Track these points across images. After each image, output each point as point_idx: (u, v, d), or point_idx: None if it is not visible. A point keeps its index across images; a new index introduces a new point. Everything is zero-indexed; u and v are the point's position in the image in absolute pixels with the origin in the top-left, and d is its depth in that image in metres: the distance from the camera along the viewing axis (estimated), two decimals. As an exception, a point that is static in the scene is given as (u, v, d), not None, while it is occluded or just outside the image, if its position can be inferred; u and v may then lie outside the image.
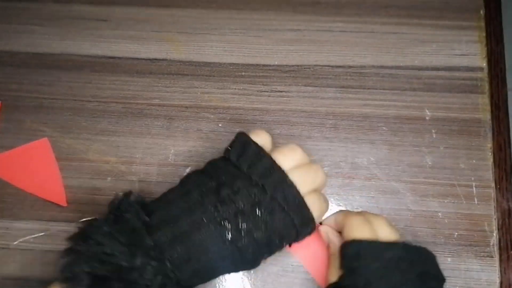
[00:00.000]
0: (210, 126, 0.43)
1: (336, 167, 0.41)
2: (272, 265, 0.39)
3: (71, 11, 0.47)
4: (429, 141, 0.42)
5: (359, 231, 0.32)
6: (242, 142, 0.32)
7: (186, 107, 0.43)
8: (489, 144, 0.41)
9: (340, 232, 0.34)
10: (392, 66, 0.44)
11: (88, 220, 0.31)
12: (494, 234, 0.39)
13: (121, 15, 0.46)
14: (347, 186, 0.41)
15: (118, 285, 0.28)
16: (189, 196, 0.30)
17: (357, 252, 0.31)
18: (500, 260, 0.38)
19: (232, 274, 0.38)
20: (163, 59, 0.45)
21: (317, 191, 0.33)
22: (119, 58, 0.45)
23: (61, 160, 0.42)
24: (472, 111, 0.42)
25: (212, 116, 0.43)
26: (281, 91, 0.43)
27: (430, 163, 0.41)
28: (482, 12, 0.45)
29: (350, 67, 0.44)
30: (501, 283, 0.38)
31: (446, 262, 0.38)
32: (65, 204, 0.40)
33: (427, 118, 0.42)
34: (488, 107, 0.42)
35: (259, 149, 0.32)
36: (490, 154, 0.41)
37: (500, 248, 0.39)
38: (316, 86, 0.43)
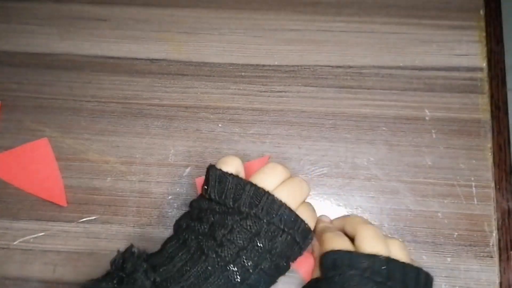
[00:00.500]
0: (210, 126, 0.43)
1: (336, 167, 0.41)
2: (272, 265, 0.39)
3: (71, 11, 0.47)
4: (429, 141, 0.42)
5: (334, 243, 0.32)
6: (217, 177, 0.32)
7: (186, 107, 0.43)
8: (489, 144, 0.41)
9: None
10: (392, 66, 0.44)
11: (88, 282, 0.30)
12: (494, 234, 0.39)
13: (121, 15, 0.46)
14: (346, 186, 0.41)
15: None
16: (188, 247, 0.30)
17: (334, 262, 0.30)
18: (500, 260, 0.38)
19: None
20: (163, 59, 0.45)
21: (305, 202, 0.34)
22: (119, 58, 0.45)
23: (61, 160, 0.42)
24: (472, 111, 0.42)
25: (211, 116, 0.43)
26: (281, 91, 0.43)
27: (430, 163, 0.41)
28: (482, 12, 0.45)
29: (350, 67, 0.44)
30: (500, 283, 0.38)
31: (445, 262, 0.38)
32: (65, 204, 0.40)
33: (427, 118, 0.42)
34: (488, 107, 0.42)
35: (237, 179, 0.31)
36: (490, 154, 0.41)
37: (499, 248, 0.39)
38: (316, 86, 0.43)
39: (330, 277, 0.30)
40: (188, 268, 0.29)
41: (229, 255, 0.28)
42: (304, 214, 0.32)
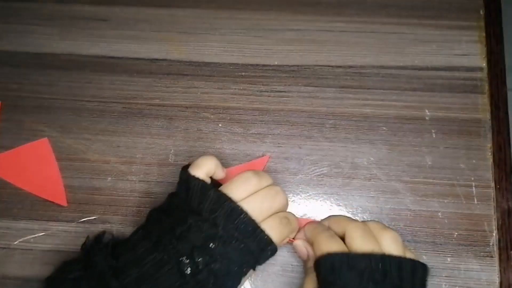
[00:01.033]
0: (210, 126, 0.43)
1: (336, 167, 0.41)
2: (272, 265, 0.39)
3: (71, 11, 0.47)
4: (429, 141, 0.42)
5: (329, 246, 0.32)
6: (185, 180, 0.33)
7: (186, 107, 0.43)
8: (489, 144, 0.41)
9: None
10: (392, 66, 0.44)
11: (63, 263, 0.32)
12: (494, 234, 0.39)
13: (121, 15, 0.46)
14: (347, 186, 0.41)
15: None
16: (151, 236, 0.32)
17: (332, 265, 0.31)
18: (500, 260, 0.38)
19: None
20: (163, 59, 0.45)
21: (279, 213, 0.34)
22: (119, 58, 0.45)
23: (61, 160, 0.42)
24: (472, 111, 0.42)
25: (212, 116, 0.43)
26: (281, 91, 0.43)
27: (430, 163, 0.41)
28: (482, 12, 0.45)
29: (350, 67, 0.44)
30: (500, 283, 0.38)
31: (445, 262, 0.38)
32: (65, 204, 0.40)
33: (427, 118, 0.42)
34: (488, 107, 0.42)
35: (202, 184, 0.33)
36: (490, 154, 0.41)
37: (499, 248, 0.39)
38: (316, 86, 0.44)
39: (330, 282, 0.31)
40: (146, 257, 0.31)
41: (183, 249, 0.30)
42: (270, 226, 0.32)
